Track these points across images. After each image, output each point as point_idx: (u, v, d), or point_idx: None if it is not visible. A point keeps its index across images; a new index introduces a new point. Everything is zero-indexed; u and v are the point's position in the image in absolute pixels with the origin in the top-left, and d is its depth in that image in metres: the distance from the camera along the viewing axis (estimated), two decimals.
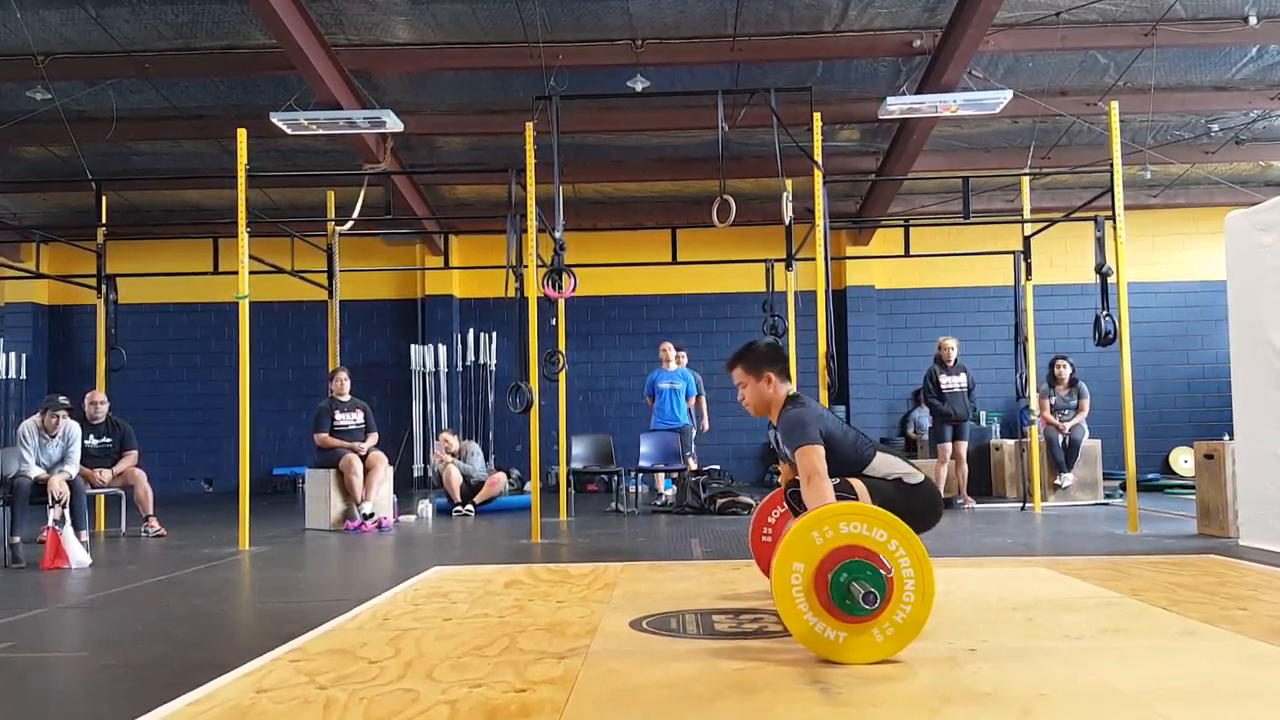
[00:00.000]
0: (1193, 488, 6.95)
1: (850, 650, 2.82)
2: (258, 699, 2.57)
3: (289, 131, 8.82)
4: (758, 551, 4.10)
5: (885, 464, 3.49)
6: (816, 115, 6.99)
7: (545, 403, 7.47)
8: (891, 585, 2.80)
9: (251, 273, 6.92)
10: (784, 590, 2.84)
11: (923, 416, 11.11)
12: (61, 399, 6.90)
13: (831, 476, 3.25)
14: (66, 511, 5.94)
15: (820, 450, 3.26)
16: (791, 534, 2.89)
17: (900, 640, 2.83)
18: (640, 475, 9.43)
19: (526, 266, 6.87)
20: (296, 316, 12.70)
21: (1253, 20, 8.05)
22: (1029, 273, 8.55)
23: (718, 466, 10.42)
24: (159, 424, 11.98)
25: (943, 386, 8.72)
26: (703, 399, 10.01)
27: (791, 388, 3.64)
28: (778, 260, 8.83)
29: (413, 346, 12.74)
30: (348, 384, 8.23)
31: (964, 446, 8.76)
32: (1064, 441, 8.85)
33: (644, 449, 9.31)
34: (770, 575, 2.96)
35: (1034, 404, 8.57)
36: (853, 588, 2.77)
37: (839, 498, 3.18)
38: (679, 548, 6.09)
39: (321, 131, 8.85)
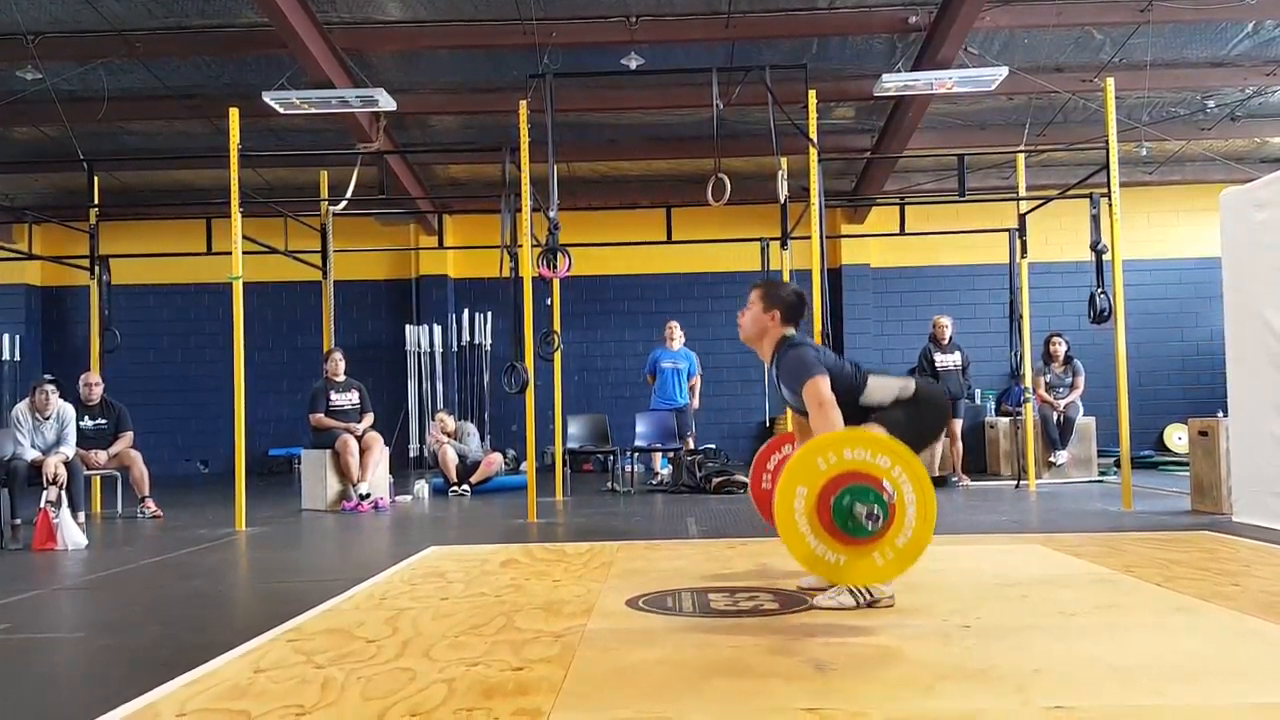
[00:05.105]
0: (1187, 464, 6.98)
1: (851, 573, 2.82)
2: (255, 678, 2.57)
3: (281, 111, 8.76)
4: (758, 497, 4.11)
5: (880, 388, 3.52)
6: (811, 93, 6.96)
7: (541, 383, 7.45)
8: (894, 509, 2.81)
9: (245, 253, 6.91)
10: (787, 514, 2.83)
11: None
12: (47, 375, 6.91)
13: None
14: (63, 493, 5.95)
15: (826, 380, 3.35)
16: (796, 459, 2.88)
17: (901, 564, 2.82)
18: (636, 455, 9.44)
19: (521, 246, 6.85)
20: (291, 297, 12.67)
21: None
22: (1024, 250, 8.54)
23: (713, 446, 10.42)
24: (154, 405, 11.96)
25: (937, 365, 8.74)
26: (699, 380, 9.99)
27: (792, 331, 3.67)
28: (773, 239, 8.80)
29: (408, 327, 12.73)
30: (343, 364, 8.22)
31: (958, 424, 8.79)
32: (1059, 419, 8.88)
33: (640, 428, 9.31)
34: (773, 501, 2.95)
35: (1029, 382, 8.59)
36: (856, 508, 2.77)
37: None
38: (675, 527, 6.11)
39: (314, 111, 8.81)
